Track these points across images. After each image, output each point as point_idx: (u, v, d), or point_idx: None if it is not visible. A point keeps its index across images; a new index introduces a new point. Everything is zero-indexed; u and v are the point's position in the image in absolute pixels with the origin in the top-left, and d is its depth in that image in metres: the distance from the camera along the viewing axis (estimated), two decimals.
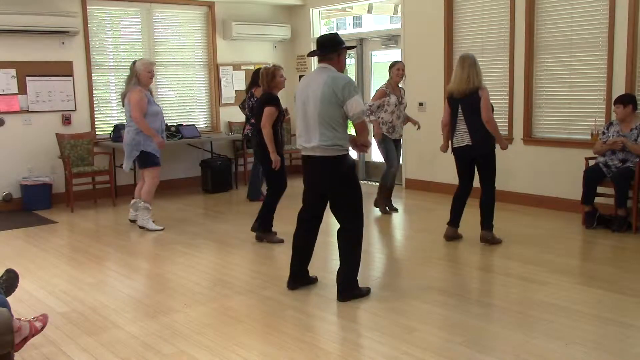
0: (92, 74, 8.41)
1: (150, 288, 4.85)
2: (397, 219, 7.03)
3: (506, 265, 5.21)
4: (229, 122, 9.67)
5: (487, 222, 5.63)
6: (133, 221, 6.85)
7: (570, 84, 6.90)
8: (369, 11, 11.98)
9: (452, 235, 5.81)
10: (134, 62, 6.49)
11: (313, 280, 4.67)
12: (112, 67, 8.71)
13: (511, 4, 7.22)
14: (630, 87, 6.31)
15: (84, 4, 8.25)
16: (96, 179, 8.13)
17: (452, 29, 7.93)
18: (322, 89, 4.12)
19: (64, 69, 8.14)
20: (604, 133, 6.24)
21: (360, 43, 9.54)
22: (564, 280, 4.68)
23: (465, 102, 5.46)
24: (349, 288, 4.31)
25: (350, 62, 9.60)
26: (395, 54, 8.90)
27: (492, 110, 5.52)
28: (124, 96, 6.52)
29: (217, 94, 9.56)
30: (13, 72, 7.78)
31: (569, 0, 6.79)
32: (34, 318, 3.46)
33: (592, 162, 6.28)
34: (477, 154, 5.56)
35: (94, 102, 8.46)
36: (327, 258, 5.31)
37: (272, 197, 5.88)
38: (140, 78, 6.38)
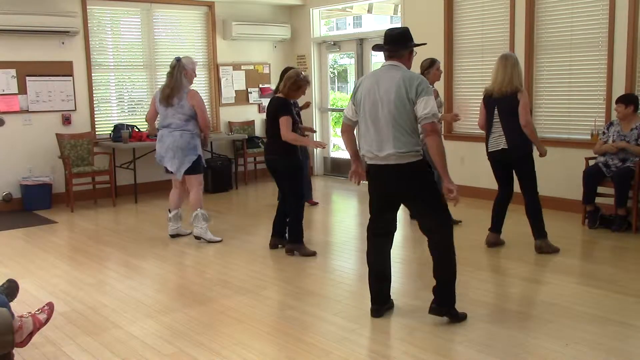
0: (92, 74, 8.41)
1: (150, 288, 4.84)
2: None
3: (506, 265, 5.21)
4: (229, 122, 9.67)
5: (537, 231, 5.42)
6: (174, 236, 6.25)
7: (570, 84, 6.90)
8: (369, 11, 11.96)
9: (494, 241, 5.59)
10: (179, 59, 5.94)
11: (391, 305, 4.16)
12: (112, 67, 8.71)
13: (511, 4, 7.23)
14: (630, 87, 6.31)
15: (84, 4, 8.25)
16: (96, 179, 8.13)
17: (452, 29, 7.93)
18: (396, 90, 3.69)
19: (64, 69, 8.14)
20: (604, 133, 6.25)
21: (360, 43, 9.55)
22: (564, 280, 4.68)
23: (503, 103, 5.23)
24: (446, 301, 3.90)
25: (350, 62, 9.59)
26: None
27: (531, 113, 5.33)
28: (169, 96, 5.91)
29: (217, 94, 9.56)
30: (13, 72, 7.79)
31: (569, 0, 6.79)
32: (38, 310, 3.46)
33: (592, 162, 6.29)
34: (512, 159, 5.35)
35: (94, 102, 8.47)
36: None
37: (296, 207, 5.60)
38: (188, 76, 6.00)
